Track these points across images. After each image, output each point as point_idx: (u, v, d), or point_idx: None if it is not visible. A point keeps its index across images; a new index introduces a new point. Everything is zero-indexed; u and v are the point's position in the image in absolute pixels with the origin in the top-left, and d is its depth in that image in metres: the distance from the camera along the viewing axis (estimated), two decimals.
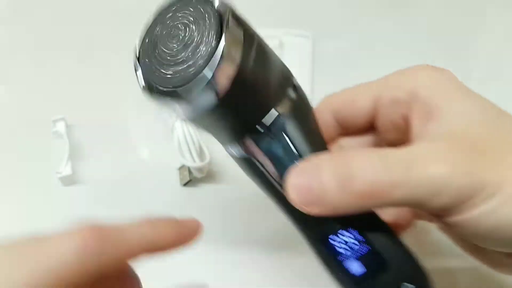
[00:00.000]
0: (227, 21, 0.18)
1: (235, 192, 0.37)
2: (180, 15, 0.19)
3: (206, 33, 0.18)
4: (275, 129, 0.21)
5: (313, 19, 0.53)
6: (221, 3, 0.19)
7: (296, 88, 0.22)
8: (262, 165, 0.22)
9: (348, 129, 0.26)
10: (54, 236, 0.19)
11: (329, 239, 0.22)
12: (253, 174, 0.23)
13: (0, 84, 0.46)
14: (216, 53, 0.17)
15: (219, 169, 0.38)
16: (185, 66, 0.18)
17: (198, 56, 0.18)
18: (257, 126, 0.21)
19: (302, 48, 0.48)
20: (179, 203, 0.37)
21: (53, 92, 0.45)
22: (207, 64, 0.17)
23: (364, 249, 0.21)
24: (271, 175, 0.22)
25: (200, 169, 0.36)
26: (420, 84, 0.22)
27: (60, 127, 0.39)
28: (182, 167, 0.37)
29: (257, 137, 0.21)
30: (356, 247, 0.21)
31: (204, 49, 0.18)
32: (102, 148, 0.40)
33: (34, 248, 0.18)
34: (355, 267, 0.21)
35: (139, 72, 0.20)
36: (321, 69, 0.47)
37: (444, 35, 0.51)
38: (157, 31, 0.20)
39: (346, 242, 0.21)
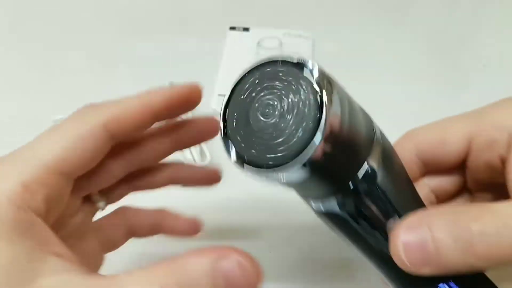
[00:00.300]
0: (324, 89, 0.16)
1: (235, 192, 0.37)
2: (268, 83, 0.18)
3: (303, 102, 0.16)
4: (368, 182, 0.19)
5: (313, 19, 0.53)
6: (315, 68, 0.17)
7: (378, 133, 0.21)
8: (354, 220, 0.21)
9: (434, 169, 0.24)
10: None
11: None
12: (343, 228, 0.22)
13: (1, 84, 0.46)
14: (320, 126, 0.16)
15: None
16: (286, 141, 0.17)
17: (300, 130, 0.16)
18: (350, 182, 0.19)
19: (302, 48, 0.48)
20: (179, 203, 0.37)
21: (54, 92, 0.45)
22: (312, 138, 0.16)
23: None
24: (364, 230, 0.21)
25: None
26: None
27: None
28: None
29: (350, 193, 0.20)
30: None
31: (305, 120, 0.16)
32: None
33: (24, 151, 0.21)
34: None
35: (233, 150, 0.18)
36: None
37: (443, 36, 0.51)
38: (245, 102, 0.18)
39: None
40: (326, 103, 0.16)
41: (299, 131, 0.16)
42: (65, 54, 0.48)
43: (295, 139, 0.16)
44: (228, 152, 0.18)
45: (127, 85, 0.46)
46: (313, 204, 0.21)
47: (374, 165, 0.19)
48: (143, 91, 0.23)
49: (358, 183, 0.19)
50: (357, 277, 0.32)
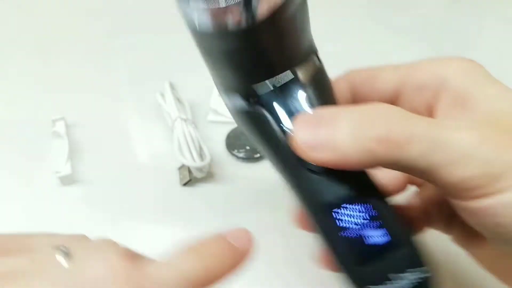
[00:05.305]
0: None
1: (235, 192, 0.37)
2: None
3: None
4: (292, 86, 0.19)
5: (313, 19, 0.52)
6: None
7: (319, 59, 0.21)
8: (269, 120, 0.20)
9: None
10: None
11: (333, 212, 0.20)
12: (255, 128, 0.21)
13: (0, 84, 0.46)
14: None
15: (219, 169, 0.38)
16: None
17: None
18: (276, 77, 0.19)
19: None
20: (179, 203, 0.37)
21: (53, 92, 0.45)
22: None
23: (375, 224, 0.19)
24: (277, 130, 0.20)
25: (200, 169, 0.36)
26: (450, 72, 0.21)
27: (60, 127, 0.39)
28: (182, 167, 0.37)
29: (272, 91, 0.19)
30: (364, 221, 0.19)
31: None
32: (101, 147, 0.40)
33: None
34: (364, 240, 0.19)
35: None
36: None
37: (443, 36, 0.51)
38: None
39: (351, 215, 0.20)
40: None
41: None
42: (65, 54, 0.48)
43: None
44: None
45: (127, 85, 0.46)
46: (230, 99, 0.21)
47: (302, 77, 0.19)
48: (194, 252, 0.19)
49: (281, 84, 0.19)
50: None
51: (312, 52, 0.21)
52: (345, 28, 0.52)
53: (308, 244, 0.34)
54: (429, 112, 0.21)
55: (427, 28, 0.52)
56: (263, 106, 0.20)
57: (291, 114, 0.20)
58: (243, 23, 0.16)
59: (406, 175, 0.25)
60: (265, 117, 0.20)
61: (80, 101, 0.43)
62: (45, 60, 0.48)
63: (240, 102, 0.20)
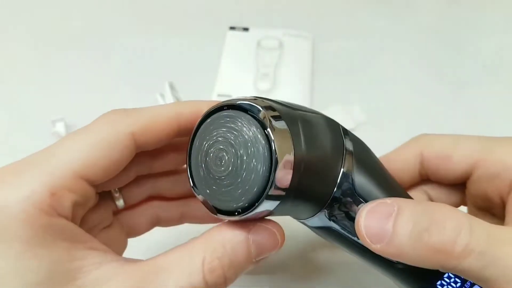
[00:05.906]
0: (269, 125, 0.17)
1: None
2: (218, 131, 0.18)
3: (254, 143, 0.17)
4: (348, 187, 0.20)
5: (313, 20, 0.53)
6: (256, 109, 0.18)
7: (348, 134, 0.21)
8: (345, 227, 0.21)
9: (436, 179, 0.25)
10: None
11: (437, 286, 0.21)
12: (339, 238, 0.22)
13: (0, 84, 0.46)
14: (272, 161, 0.17)
15: None
16: (243, 183, 0.17)
17: (253, 171, 0.17)
18: (334, 191, 0.20)
19: (302, 48, 0.48)
20: None
21: (53, 92, 0.45)
22: (268, 175, 0.17)
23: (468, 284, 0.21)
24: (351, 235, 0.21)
25: None
26: None
27: (60, 127, 0.39)
28: None
29: (337, 202, 0.20)
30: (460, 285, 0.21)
31: (257, 160, 0.17)
32: None
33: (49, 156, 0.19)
34: None
35: (204, 200, 0.19)
36: (321, 69, 0.47)
37: (444, 36, 0.51)
38: (202, 151, 0.19)
39: (450, 284, 0.21)
40: (274, 148, 0.17)
41: (253, 178, 0.17)
42: (65, 54, 0.48)
43: (253, 187, 0.17)
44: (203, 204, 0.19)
45: (128, 85, 0.46)
46: (307, 223, 0.22)
47: (349, 169, 0.20)
48: (171, 103, 0.22)
49: (337, 193, 0.20)
50: (362, 278, 0.32)
51: (341, 141, 0.21)
52: (345, 26, 0.52)
53: (308, 242, 0.34)
54: (501, 199, 0.22)
55: (428, 24, 0.52)
56: (337, 217, 0.21)
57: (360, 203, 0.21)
58: (285, 197, 0.18)
59: (421, 170, 0.25)
60: (343, 224, 0.21)
61: (80, 101, 0.44)
62: (45, 60, 0.48)
63: (318, 220, 0.21)
